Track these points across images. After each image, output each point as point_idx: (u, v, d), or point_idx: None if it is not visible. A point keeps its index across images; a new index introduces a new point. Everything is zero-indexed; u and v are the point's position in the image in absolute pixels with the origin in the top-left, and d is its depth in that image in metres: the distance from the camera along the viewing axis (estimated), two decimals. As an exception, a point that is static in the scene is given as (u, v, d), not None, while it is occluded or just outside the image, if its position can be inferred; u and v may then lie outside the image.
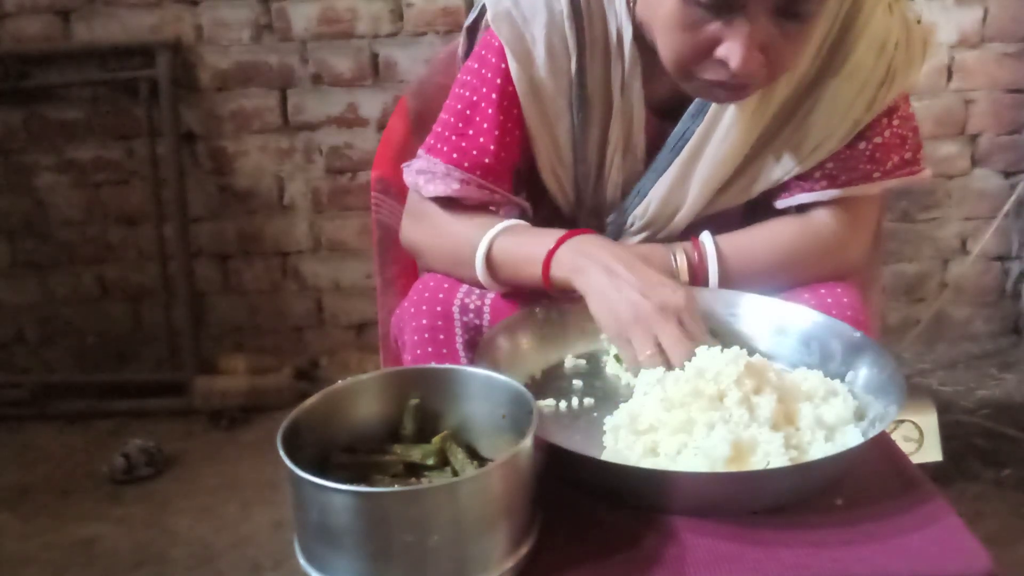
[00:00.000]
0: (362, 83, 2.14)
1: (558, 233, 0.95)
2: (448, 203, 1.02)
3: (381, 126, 2.15)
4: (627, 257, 0.91)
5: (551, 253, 0.93)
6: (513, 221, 1.00)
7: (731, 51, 0.83)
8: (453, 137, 1.01)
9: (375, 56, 2.13)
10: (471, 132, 1.00)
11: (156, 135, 2.11)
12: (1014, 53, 2.17)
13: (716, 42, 0.84)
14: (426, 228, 1.04)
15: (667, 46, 0.88)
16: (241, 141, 2.18)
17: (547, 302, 0.96)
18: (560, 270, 0.93)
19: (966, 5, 2.13)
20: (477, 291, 1.00)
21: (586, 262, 0.91)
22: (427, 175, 1.01)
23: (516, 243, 0.97)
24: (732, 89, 0.89)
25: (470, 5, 2.05)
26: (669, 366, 0.84)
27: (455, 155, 1.00)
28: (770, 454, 0.72)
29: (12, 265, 2.26)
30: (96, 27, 2.09)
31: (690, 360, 0.83)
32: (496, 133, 1.00)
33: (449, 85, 1.07)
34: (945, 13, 2.13)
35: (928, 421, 1.72)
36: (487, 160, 1.00)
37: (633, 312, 0.86)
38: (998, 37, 2.15)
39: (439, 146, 1.02)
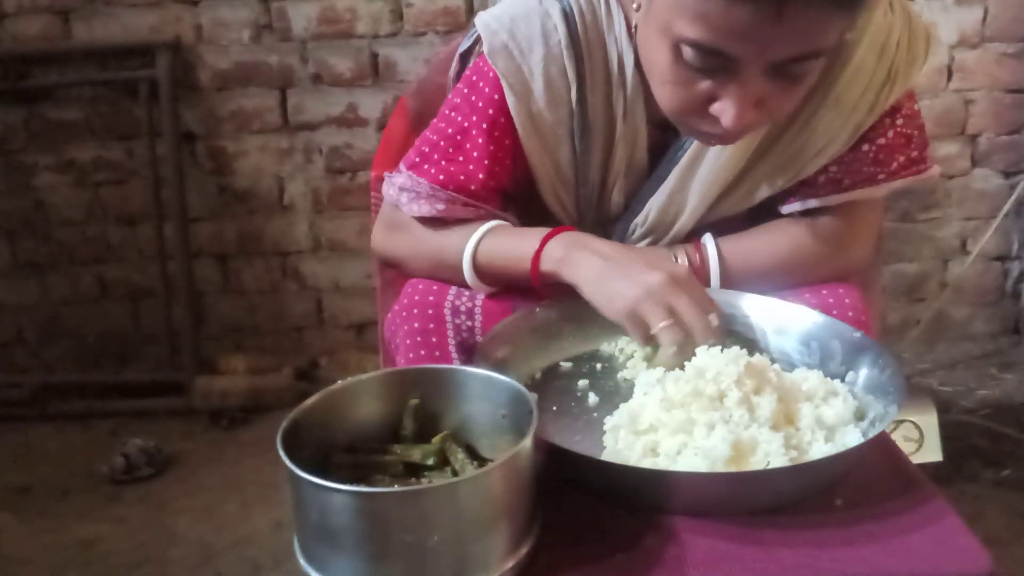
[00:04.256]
0: (362, 83, 2.14)
1: (543, 231, 0.95)
2: (430, 219, 1.02)
3: (381, 126, 2.15)
4: (618, 246, 0.93)
5: (539, 250, 0.94)
6: (496, 222, 1.00)
7: (725, 110, 0.81)
8: (442, 161, 1.00)
9: (375, 56, 2.13)
10: (461, 159, 1.00)
11: (156, 135, 2.11)
12: (1014, 53, 2.17)
13: (711, 98, 0.82)
14: (406, 238, 1.05)
15: (662, 97, 0.87)
16: (241, 141, 2.18)
17: (547, 302, 0.96)
18: (549, 264, 0.93)
19: (966, 5, 2.13)
20: (467, 293, 1.00)
21: (576, 254, 0.92)
22: (411, 193, 1.01)
23: (502, 244, 0.98)
24: (725, 138, 0.88)
25: (471, 7, 2.06)
26: (684, 337, 0.84)
27: (442, 177, 1.00)
28: (770, 454, 0.72)
29: (12, 265, 2.26)
30: (96, 27, 2.09)
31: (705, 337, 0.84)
32: (486, 162, 0.99)
33: (449, 86, 1.07)
34: (945, 13, 2.13)
35: (928, 421, 1.72)
36: (473, 187, 1.00)
37: (641, 286, 0.86)
38: (998, 37, 2.16)
39: (425, 166, 1.01)
